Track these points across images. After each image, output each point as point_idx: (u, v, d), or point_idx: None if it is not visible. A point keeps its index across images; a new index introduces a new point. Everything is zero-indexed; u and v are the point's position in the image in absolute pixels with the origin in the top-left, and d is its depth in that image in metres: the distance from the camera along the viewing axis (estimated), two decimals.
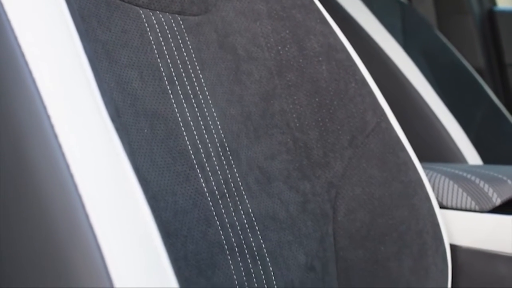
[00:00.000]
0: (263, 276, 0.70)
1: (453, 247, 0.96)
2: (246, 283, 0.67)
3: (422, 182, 0.90)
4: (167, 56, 0.72)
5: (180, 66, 0.72)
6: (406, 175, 0.88)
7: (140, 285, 0.45)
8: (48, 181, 0.46)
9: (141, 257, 0.47)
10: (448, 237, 0.94)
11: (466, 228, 0.97)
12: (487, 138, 1.80)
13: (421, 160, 0.94)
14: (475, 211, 0.96)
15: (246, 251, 0.69)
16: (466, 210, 0.96)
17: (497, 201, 0.94)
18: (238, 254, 0.68)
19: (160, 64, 0.71)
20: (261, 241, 0.71)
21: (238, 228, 0.69)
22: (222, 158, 0.72)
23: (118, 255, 0.46)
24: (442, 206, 0.98)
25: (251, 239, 0.70)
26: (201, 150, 0.69)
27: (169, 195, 0.63)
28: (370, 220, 0.85)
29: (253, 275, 0.69)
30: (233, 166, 0.72)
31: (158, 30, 0.72)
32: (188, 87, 0.72)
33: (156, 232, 0.50)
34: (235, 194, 0.71)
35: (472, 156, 1.58)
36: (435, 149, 1.57)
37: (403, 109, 1.55)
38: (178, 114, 0.69)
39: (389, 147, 0.87)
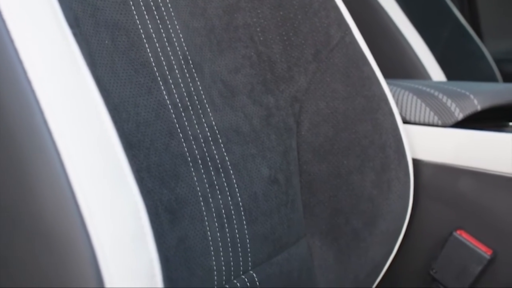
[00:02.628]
0: (226, 188, 0.70)
1: (415, 162, 0.97)
2: (209, 195, 0.68)
3: (385, 97, 0.90)
4: None
5: None
6: (369, 90, 0.88)
7: (102, 194, 0.45)
8: (5, 88, 0.46)
9: (103, 167, 0.47)
10: (411, 152, 0.95)
11: (428, 143, 0.98)
12: (452, 56, 1.81)
13: (385, 76, 0.94)
14: (437, 125, 0.97)
15: (209, 163, 0.69)
16: (429, 125, 0.97)
17: (460, 116, 0.95)
18: (201, 166, 0.68)
19: None
20: (225, 153, 0.71)
21: (201, 140, 0.69)
22: (185, 71, 0.71)
23: (79, 165, 0.46)
24: (405, 121, 0.99)
25: (215, 152, 0.70)
26: (164, 63, 0.69)
27: (131, 107, 0.63)
28: (334, 134, 0.86)
29: (217, 187, 0.69)
30: (196, 79, 0.72)
31: None
32: None
33: (117, 142, 0.49)
34: (198, 107, 0.71)
35: (436, 73, 1.58)
36: (399, 65, 1.57)
37: (369, 25, 1.54)
38: (140, 26, 0.68)
39: (353, 61, 0.87)
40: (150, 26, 0.69)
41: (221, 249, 0.68)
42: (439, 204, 0.98)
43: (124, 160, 0.49)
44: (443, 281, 0.97)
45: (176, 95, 0.68)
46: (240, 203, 0.71)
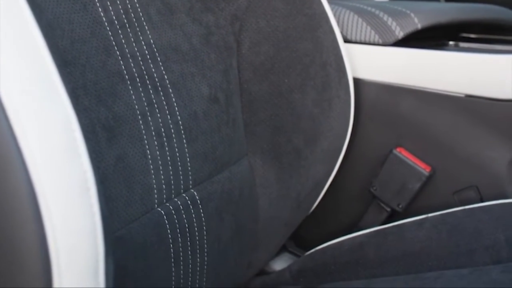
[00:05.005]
0: (166, 107, 0.69)
1: (356, 81, 0.98)
2: (148, 113, 0.67)
3: (326, 15, 0.90)
4: None
5: None
6: (310, 8, 0.87)
7: (33, 108, 0.44)
8: None
9: (34, 81, 0.46)
10: (352, 70, 0.96)
11: (369, 62, 0.98)
12: None
13: None
14: (378, 44, 0.97)
15: (147, 82, 0.68)
16: (369, 43, 0.98)
17: (400, 34, 0.95)
18: (139, 84, 0.67)
19: None
20: (163, 72, 0.70)
21: (139, 58, 0.68)
22: None
23: (9, 79, 0.45)
24: (346, 40, 0.99)
25: (153, 70, 0.69)
26: None
27: (66, 23, 0.61)
28: (274, 53, 0.85)
29: (156, 105, 0.68)
30: None
31: None
32: None
33: (49, 57, 0.48)
34: (136, 24, 0.69)
35: None
36: None
37: None
38: None
39: None
40: None
41: (161, 167, 0.68)
42: (380, 122, 0.99)
43: (56, 74, 0.48)
44: (383, 198, 0.99)
45: (112, 12, 0.67)
46: (180, 122, 0.71)
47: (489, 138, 0.91)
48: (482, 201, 0.92)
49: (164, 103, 0.69)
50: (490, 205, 0.86)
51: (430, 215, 0.88)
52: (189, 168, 0.72)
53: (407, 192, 0.97)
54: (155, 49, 0.70)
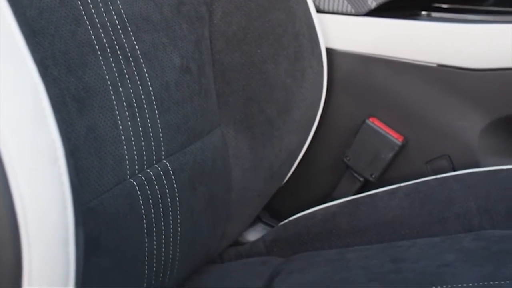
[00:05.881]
0: (137, 77, 0.69)
1: (329, 51, 0.97)
2: (119, 84, 0.66)
3: None
4: None
5: None
6: None
7: (2, 81, 0.44)
8: None
9: (0, 52, 0.45)
10: (324, 41, 0.95)
11: (342, 32, 0.98)
12: None
13: None
14: (350, 14, 0.97)
15: (118, 52, 0.67)
16: (342, 13, 0.97)
17: (373, 4, 0.95)
18: (110, 54, 0.66)
19: None
20: (134, 42, 0.70)
21: (110, 28, 0.67)
22: None
23: None
24: (318, 10, 0.98)
25: (124, 40, 0.68)
26: None
27: None
28: (247, 23, 0.85)
29: (127, 75, 0.67)
30: None
31: None
32: None
33: (17, 28, 0.47)
34: None
35: None
36: None
37: None
38: None
39: None
40: None
41: (132, 138, 0.67)
42: (353, 92, 0.99)
43: (23, 44, 0.47)
44: (356, 168, 1.00)
45: None
46: (152, 92, 0.70)
47: (460, 108, 0.92)
48: (454, 170, 0.93)
49: (136, 73, 0.69)
50: (462, 174, 0.87)
51: (402, 184, 0.89)
52: (161, 138, 0.71)
53: (380, 162, 0.98)
54: (126, 19, 0.70)
